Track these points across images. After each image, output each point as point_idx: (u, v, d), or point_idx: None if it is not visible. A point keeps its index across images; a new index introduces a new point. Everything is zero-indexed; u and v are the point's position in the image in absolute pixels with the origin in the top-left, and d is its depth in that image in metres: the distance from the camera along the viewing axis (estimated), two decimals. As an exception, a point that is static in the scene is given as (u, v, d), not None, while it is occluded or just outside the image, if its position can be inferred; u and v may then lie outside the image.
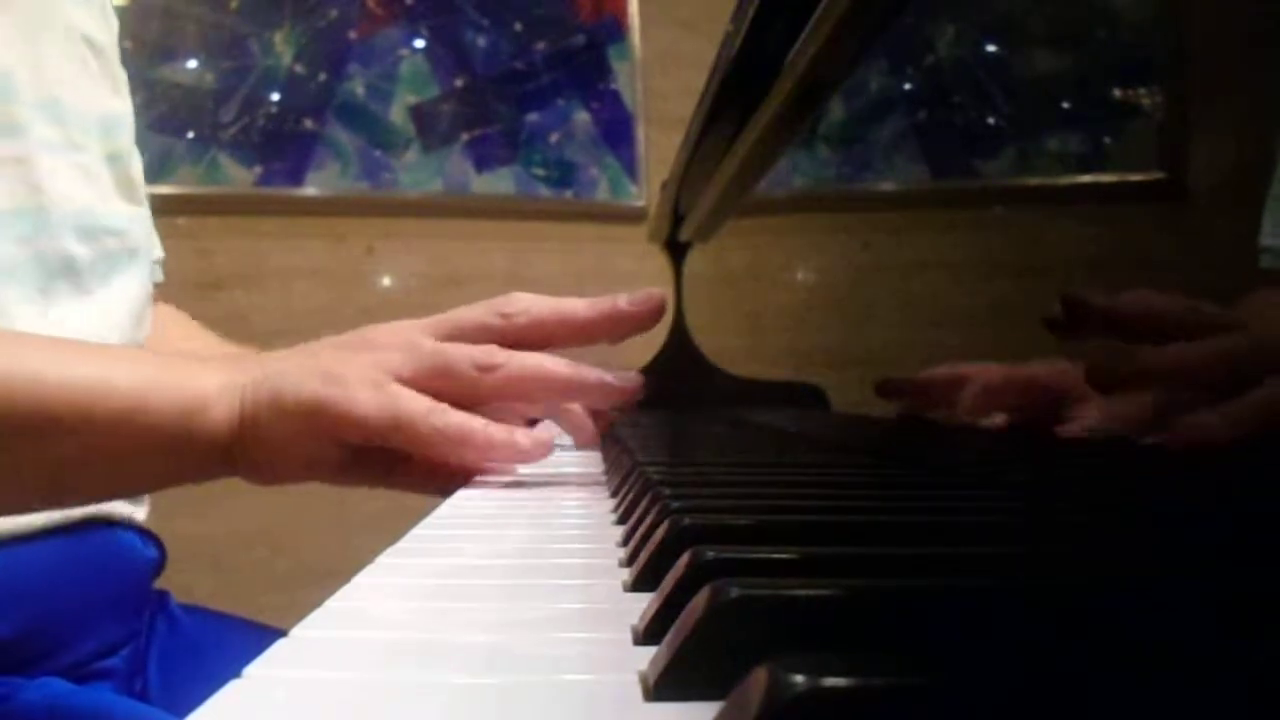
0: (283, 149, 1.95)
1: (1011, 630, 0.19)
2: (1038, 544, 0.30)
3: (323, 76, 1.98)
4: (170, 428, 0.49)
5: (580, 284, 1.99)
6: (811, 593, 0.19)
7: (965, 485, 0.45)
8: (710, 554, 0.24)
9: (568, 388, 0.54)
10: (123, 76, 0.76)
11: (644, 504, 0.37)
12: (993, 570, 0.25)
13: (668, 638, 0.20)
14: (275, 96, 1.96)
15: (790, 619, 0.19)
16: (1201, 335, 0.30)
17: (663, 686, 0.19)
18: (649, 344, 1.22)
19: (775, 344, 0.97)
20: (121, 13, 0.80)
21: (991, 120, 0.51)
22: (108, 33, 0.75)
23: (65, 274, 0.65)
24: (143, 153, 0.77)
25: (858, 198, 0.74)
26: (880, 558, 0.25)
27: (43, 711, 0.56)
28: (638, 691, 0.19)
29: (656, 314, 0.56)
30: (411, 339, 0.53)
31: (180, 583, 0.78)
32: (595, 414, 0.69)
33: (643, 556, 0.29)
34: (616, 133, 2.12)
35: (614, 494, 0.48)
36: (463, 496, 0.48)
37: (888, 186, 0.68)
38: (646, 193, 2.08)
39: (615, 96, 2.12)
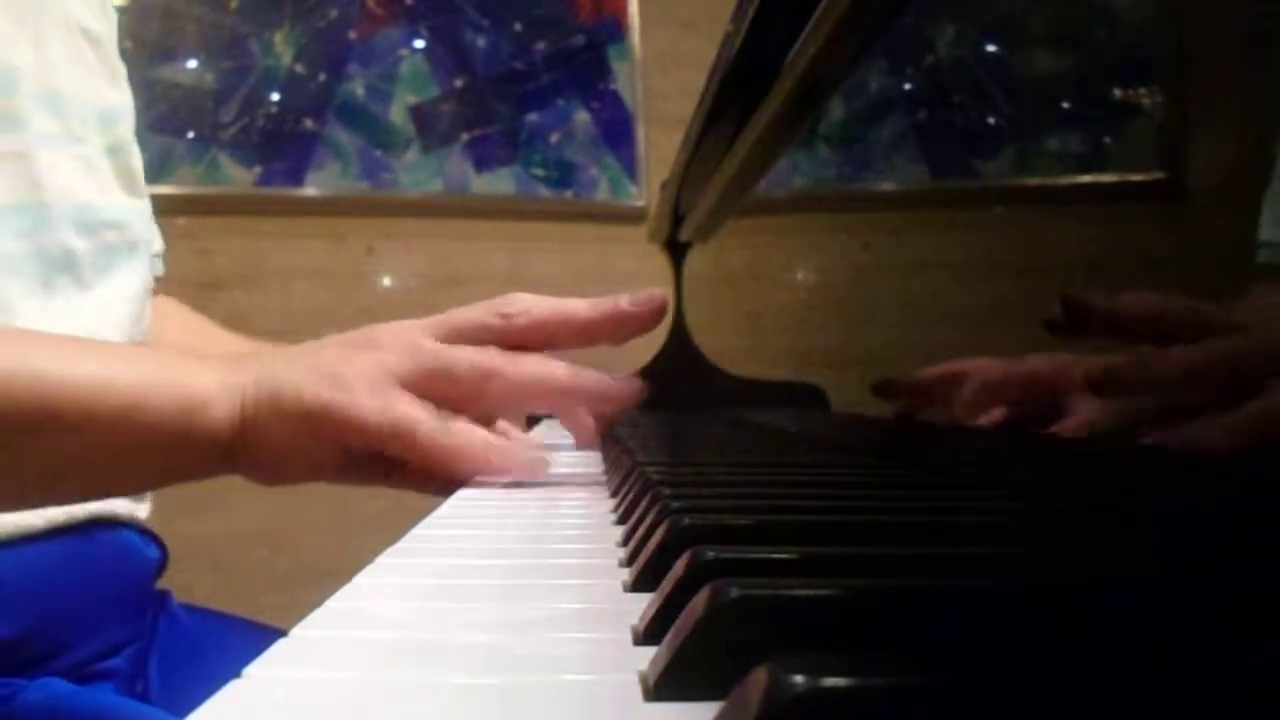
0: (283, 149, 1.95)
1: (1011, 630, 0.19)
2: (1038, 544, 0.30)
3: (323, 76, 1.98)
4: (170, 425, 0.49)
5: (580, 284, 1.99)
6: (811, 593, 0.19)
7: (965, 485, 0.45)
8: (710, 554, 0.24)
9: (567, 393, 0.54)
10: (121, 68, 0.76)
11: (644, 504, 0.37)
12: (993, 570, 0.25)
13: (668, 638, 0.20)
14: (275, 96, 1.96)
15: (790, 619, 0.19)
16: (1201, 336, 0.30)
17: (663, 686, 0.19)
18: (649, 344, 1.22)
19: (775, 344, 0.97)
20: (121, 13, 0.80)
21: (991, 120, 0.51)
22: (106, 24, 0.75)
23: (66, 268, 0.65)
24: (143, 153, 0.77)
25: (858, 198, 0.74)
26: (880, 558, 0.25)
27: (44, 712, 0.56)
28: (638, 692, 0.19)
29: (658, 314, 0.56)
30: (413, 340, 0.53)
31: (180, 583, 0.78)
32: (595, 414, 0.69)
33: (643, 556, 0.29)
34: (616, 133, 2.12)
35: (614, 494, 0.48)
36: (463, 496, 0.48)
37: (888, 186, 0.68)
38: (646, 193, 2.08)
39: (615, 96, 2.12)
